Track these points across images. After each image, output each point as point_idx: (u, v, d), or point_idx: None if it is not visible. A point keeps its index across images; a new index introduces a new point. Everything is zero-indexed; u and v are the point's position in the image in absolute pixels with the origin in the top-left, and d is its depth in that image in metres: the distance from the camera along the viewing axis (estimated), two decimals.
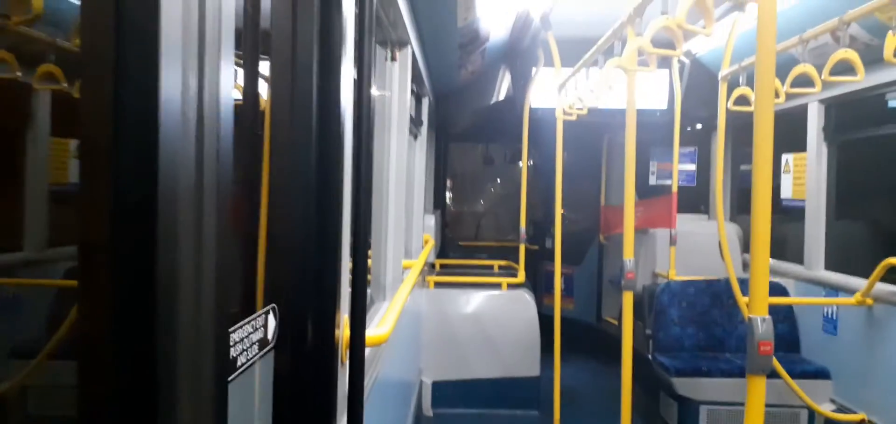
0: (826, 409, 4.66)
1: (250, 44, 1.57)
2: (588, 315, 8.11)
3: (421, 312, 5.58)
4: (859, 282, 4.45)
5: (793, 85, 3.96)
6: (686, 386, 4.93)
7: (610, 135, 7.85)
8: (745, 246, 6.09)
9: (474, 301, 5.91)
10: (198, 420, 0.91)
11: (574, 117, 4.97)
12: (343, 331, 1.89)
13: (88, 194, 0.81)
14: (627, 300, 3.75)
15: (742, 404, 2.35)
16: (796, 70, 3.86)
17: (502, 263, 7.18)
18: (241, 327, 1.31)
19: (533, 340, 5.79)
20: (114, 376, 0.81)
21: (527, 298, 5.92)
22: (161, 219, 0.83)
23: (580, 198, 7.93)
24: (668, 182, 6.91)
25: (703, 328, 5.34)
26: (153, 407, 0.84)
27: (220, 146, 0.94)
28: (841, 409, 4.64)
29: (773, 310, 2.44)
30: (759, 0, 2.26)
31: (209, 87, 0.92)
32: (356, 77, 1.87)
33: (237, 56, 1.03)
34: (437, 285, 6.00)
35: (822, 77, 3.65)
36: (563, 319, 5.37)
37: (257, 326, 1.40)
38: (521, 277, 6.08)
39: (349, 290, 1.93)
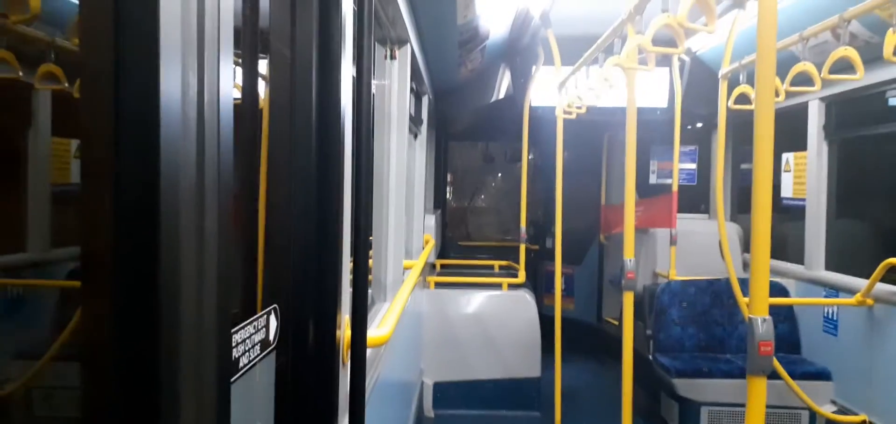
0: (827, 410, 4.65)
1: (249, 43, 1.57)
2: (588, 316, 8.11)
3: (422, 312, 5.57)
4: (860, 282, 4.44)
5: (793, 83, 3.96)
6: (687, 387, 4.93)
7: (610, 133, 7.85)
8: (746, 246, 6.09)
9: (475, 302, 5.90)
10: (200, 421, 0.91)
11: (574, 116, 4.97)
12: (344, 332, 1.89)
13: (89, 195, 0.81)
14: (628, 300, 3.74)
15: (743, 405, 2.35)
16: (797, 68, 3.85)
17: (503, 263, 7.17)
18: (242, 328, 1.31)
19: (534, 340, 5.78)
20: (116, 377, 0.81)
21: (527, 298, 5.92)
22: (162, 219, 0.82)
23: (580, 197, 7.92)
24: (668, 181, 6.91)
25: (703, 328, 5.34)
26: (156, 408, 0.83)
27: (220, 146, 0.94)
28: (842, 410, 4.63)
29: (774, 310, 2.44)
30: None
31: (209, 86, 0.91)
32: (355, 76, 1.87)
33: (236, 55, 1.02)
34: (438, 285, 6.00)
35: (822, 75, 3.64)
36: (563, 319, 5.37)
37: (259, 327, 1.40)
38: (521, 277, 6.08)
39: (350, 290, 1.93)
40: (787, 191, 5.45)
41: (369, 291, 3.00)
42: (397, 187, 3.63)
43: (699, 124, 6.87)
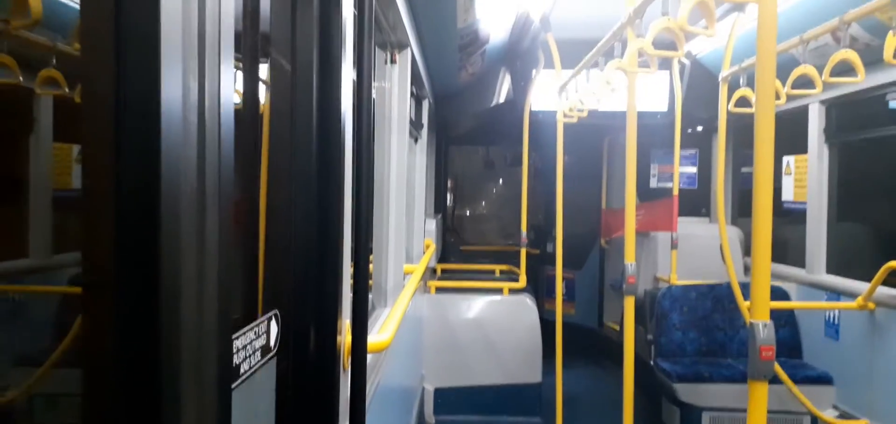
0: (829, 415, 4.64)
1: (250, 47, 1.57)
2: (589, 320, 8.10)
3: (422, 317, 5.56)
4: (861, 286, 4.44)
5: (794, 86, 3.96)
6: (688, 392, 4.92)
7: (610, 137, 7.85)
8: (747, 249, 6.08)
9: (476, 307, 5.89)
10: None
11: (574, 120, 4.97)
12: (345, 337, 1.88)
13: (91, 200, 0.81)
14: (629, 304, 3.74)
15: (744, 410, 2.34)
16: (797, 71, 3.85)
17: (503, 267, 7.16)
18: (243, 333, 1.31)
19: (535, 346, 5.77)
20: (118, 383, 0.81)
21: (528, 303, 5.91)
22: (164, 224, 0.82)
23: (581, 201, 7.92)
24: (669, 185, 6.91)
25: (704, 332, 5.33)
26: (157, 414, 0.83)
27: (221, 150, 0.94)
28: (843, 415, 4.62)
29: (775, 315, 2.43)
30: (759, 0, 2.25)
31: (210, 91, 0.91)
32: (356, 80, 1.87)
33: (237, 60, 1.02)
34: (439, 290, 5.99)
35: (823, 78, 3.64)
36: (564, 324, 5.36)
37: (260, 332, 1.40)
38: (522, 282, 6.07)
39: (350, 296, 1.93)
40: (787, 194, 5.45)
41: (370, 296, 3.00)
42: (398, 191, 3.63)
43: (699, 128, 6.87)
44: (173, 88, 0.84)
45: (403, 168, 3.80)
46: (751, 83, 4.34)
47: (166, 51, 0.82)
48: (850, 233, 5.23)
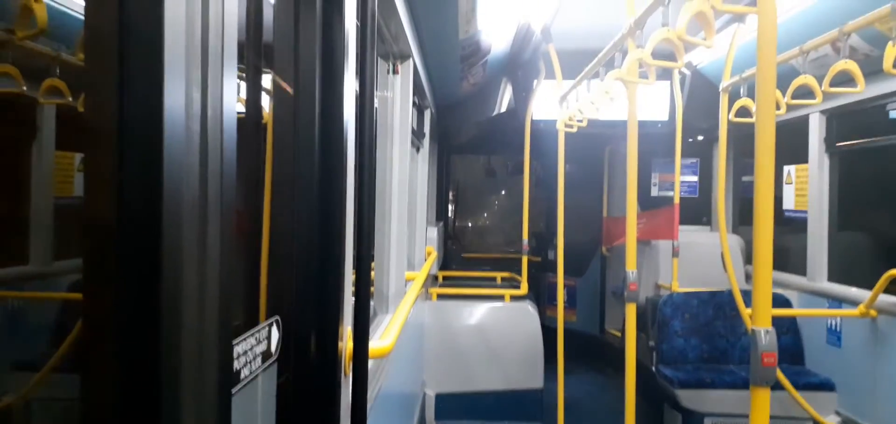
0: (831, 421, 4.63)
1: (253, 57, 1.58)
2: (591, 327, 8.09)
3: (424, 324, 5.57)
4: (863, 293, 4.44)
5: (794, 96, 3.97)
6: (690, 398, 4.91)
7: (611, 146, 7.86)
8: (748, 257, 6.08)
9: (477, 313, 5.90)
10: None
11: (575, 129, 4.98)
12: (346, 343, 1.89)
13: (92, 207, 0.82)
14: (630, 311, 3.74)
15: (746, 416, 2.34)
16: (797, 81, 3.86)
17: (505, 274, 7.16)
18: (244, 339, 1.31)
19: (536, 352, 5.77)
20: (118, 387, 0.82)
21: (530, 310, 5.91)
22: (165, 231, 0.83)
23: (582, 209, 7.92)
24: (669, 193, 6.91)
25: (706, 339, 5.33)
26: (157, 419, 0.84)
27: (223, 158, 0.95)
28: (846, 421, 4.61)
29: (777, 322, 2.43)
30: (759, 11, 2.26)
31: (212, 100, 0.92)
32: (358, 90, 1.88)
33: (240, 69, 1.03)
34: (440, 297, 5.99)
35: (823, 88, 3.65)
36: (566, 331, 5.36)
37: (261, 338, 1.40)
38: (523, 289, 6.07)
39: (352, 302, 1.93)
40: (788, 203, 5.45)
41: (371, 302, 3.00)
42: (399, 199, 3.64)
43: (700, 137, 6.88)
44: (176, 96, 0.85)
45: (405, 176, 3.81)
46: (751, 93, 4.36)
47: (169, 61, 0.83)
48: (850, 241, 5.23)
